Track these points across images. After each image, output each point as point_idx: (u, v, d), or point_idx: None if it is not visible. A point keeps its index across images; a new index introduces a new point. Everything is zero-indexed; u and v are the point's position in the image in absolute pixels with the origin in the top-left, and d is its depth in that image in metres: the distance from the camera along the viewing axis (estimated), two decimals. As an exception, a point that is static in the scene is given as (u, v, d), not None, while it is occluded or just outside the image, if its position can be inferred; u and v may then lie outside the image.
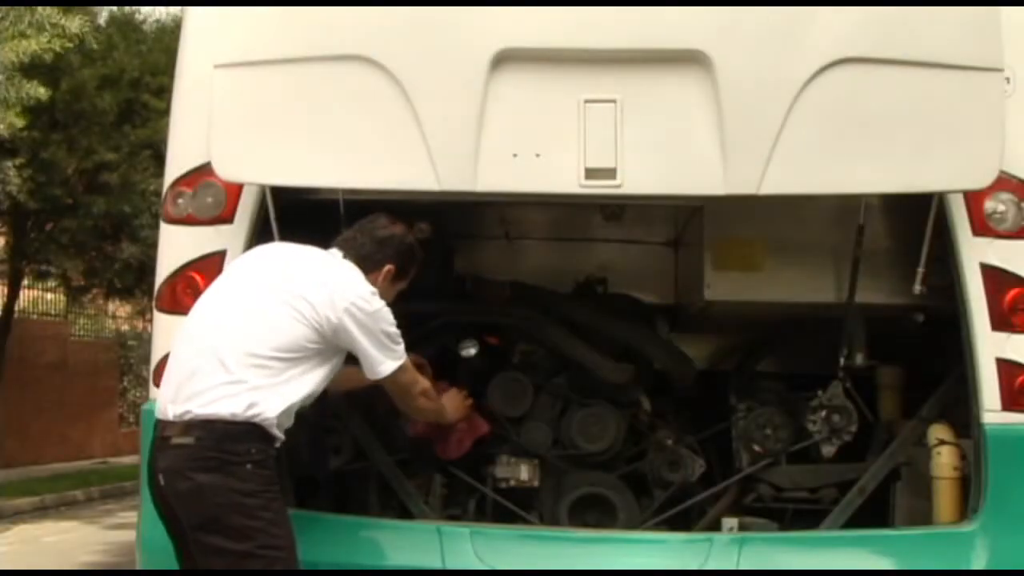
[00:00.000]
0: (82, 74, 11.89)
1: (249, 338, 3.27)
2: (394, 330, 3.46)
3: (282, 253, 3.57)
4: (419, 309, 4.45)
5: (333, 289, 3.38)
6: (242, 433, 3.15)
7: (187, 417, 3.17)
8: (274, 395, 3.22)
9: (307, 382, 3.33)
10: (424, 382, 3.71)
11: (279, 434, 3.26)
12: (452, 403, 4.00)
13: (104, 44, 11.92)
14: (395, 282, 3.62)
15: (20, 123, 9.48)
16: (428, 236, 4.43)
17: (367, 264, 3.54)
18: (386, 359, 3.44)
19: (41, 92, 9.50)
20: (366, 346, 3.40)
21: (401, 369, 3.50)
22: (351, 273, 3.48)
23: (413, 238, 3.68)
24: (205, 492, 3.11)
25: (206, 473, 3.11)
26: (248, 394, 3.18)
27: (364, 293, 3.42)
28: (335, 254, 3.55)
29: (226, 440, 3.14)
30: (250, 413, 3.17)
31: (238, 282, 3.47)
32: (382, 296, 3.50)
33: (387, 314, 3.45)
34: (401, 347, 3.49)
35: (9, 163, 10.30)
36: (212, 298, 3.45)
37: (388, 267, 3.58)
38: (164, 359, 3.55)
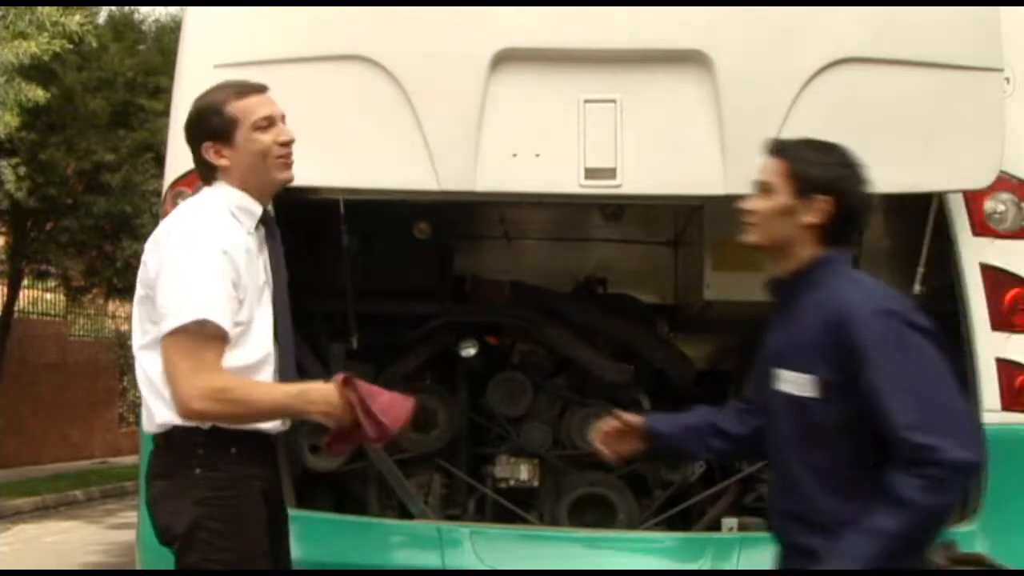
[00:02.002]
0: (73, 78, 11.87)
1: (134, 342, 2.91)
2: (200, 282, 2.72)
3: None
4: (419, 309, 4.47)
5: (151, 244, 2.87)
6: (174, 441, 2.83)
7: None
8: (163, 399, 2.81)
9: None
10: (215, 377, 2.73)
11: (226, 426, 2.81)
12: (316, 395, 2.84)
13: (97, 47, 11.92)
14: (231, 141, 2.90)
15: (15, 123, 9.47)
16: (428, 236, 4.45)
17: (202, 168, 2.97)
18: (171, 314, 2.72)
19: (40, 95, 9.50)
20: (162, 294, 2.75)
21: (180, 335, 2.70)
22: (179, 212, 2.93)
23: (202, 98, 3.00)
24: (160, 500, 2.89)
25: (160, 480, 2.89)
26: (149, 403, 2.86)
27: (177, 231, 2.83)
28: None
29: (168, 447, 2.85)
30: (156, 426, 2.84)
31: None
32: (248, 157, 2.89)
33: (197, 260, 2.74)
34: (195, 309, 2.70)
35: (5, 162, 10.29)
36: None
37: (206, 147, 2.93)
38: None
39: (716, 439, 2.87)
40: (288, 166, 2.97)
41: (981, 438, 2.46)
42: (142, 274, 2.85)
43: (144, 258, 2.86)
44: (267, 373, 2.90)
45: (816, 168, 2.55)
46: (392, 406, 2.89)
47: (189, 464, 2.81)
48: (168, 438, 2.84)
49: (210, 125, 2.93)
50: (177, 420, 2.80)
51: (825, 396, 2.47)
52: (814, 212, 2.52)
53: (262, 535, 2.88)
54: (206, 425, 2.79)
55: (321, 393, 2.82)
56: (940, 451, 2.29)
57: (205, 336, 2.72)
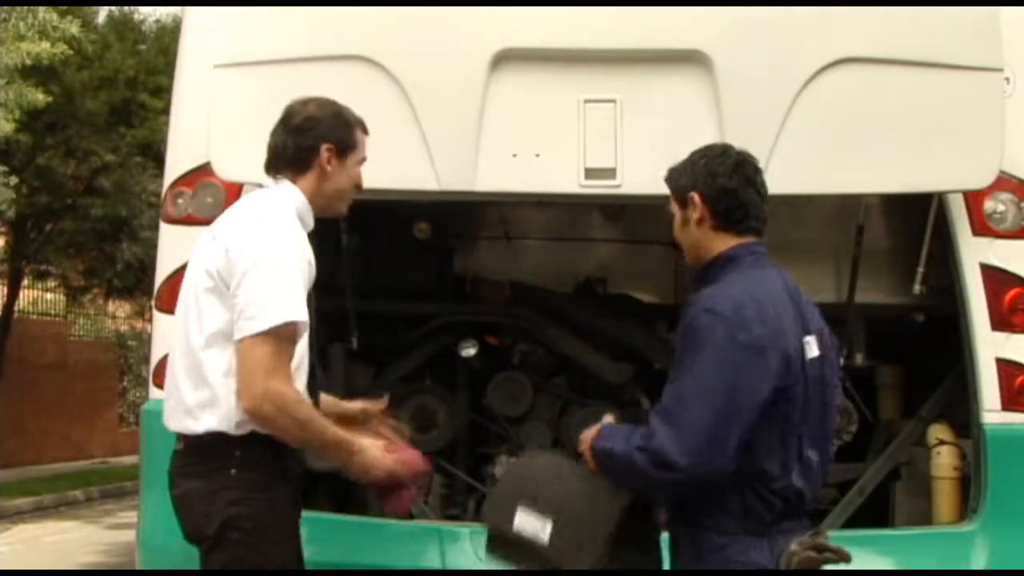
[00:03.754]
0: (74, 77, 11.85)
1: (188, 337, 2.91)
2: (286, 283, 2.80)
3: (223, 217, 3.09)
4: (419, 309, 4.46)
5: (229, 237, 2.88)
6: (214, 442, 2.84)
7: (171, 426, 2.98)
8: (216, 403, 2.83)
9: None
10: (295, 399, 2.82)
11: (262, 431, 2.83)
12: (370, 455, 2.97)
13: (99, 45, 11.91)
14: (345, 157, 3.04)
15: (9, 126, 9.47)
16: (428, 236, 4.45)
17: (302, 163, 3.00)
18: (260, 315, 2.77)
19: (40, 99, 9.49)
20: (248, 292, 2.80)
21: (268, 336, 2.75)
22: (256, 206, 2.98)
23: (335, 104, 3.08)
24: (192, 499, 2.88)
25: (190, 480, 2.89)
26: (197, 410, 2.86)
27: (259, 235, 2.85)
28: (268, 182, 3.04)
29: (205, 447, 2.86)
30: (202, 429, 2.85)
31: (190, 270, 3.02)
32: (344, 180, 3.04)
33: (282, 263, 2.81)
34: (284, 312, 2.78)
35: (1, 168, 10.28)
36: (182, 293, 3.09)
37: (324, 147, 3.00)
38: (164, 359, 3.54)
39: None
40: (347, 206, 3.14)
41: (702, 446, 2.52)
42: (212, 263, 2.86)
43: (219, 244, 2.87)
44: (301, 380, 2.93)
45: (680, 175, 2.82)
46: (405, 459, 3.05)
47: (224, 465, 2.84)
48: (201, 439, 2.85)
49: (342, 132, 3.05)
50: (222, 428, 2.82)
51: None
52: (693, 209, 2.77)
53: (292, 538, 2.93)
54: (245, 430, 2.82)
55: (368, 449, 2.94)
56: (656, 437, 2.54)
57: (288, 338, 2.80)
